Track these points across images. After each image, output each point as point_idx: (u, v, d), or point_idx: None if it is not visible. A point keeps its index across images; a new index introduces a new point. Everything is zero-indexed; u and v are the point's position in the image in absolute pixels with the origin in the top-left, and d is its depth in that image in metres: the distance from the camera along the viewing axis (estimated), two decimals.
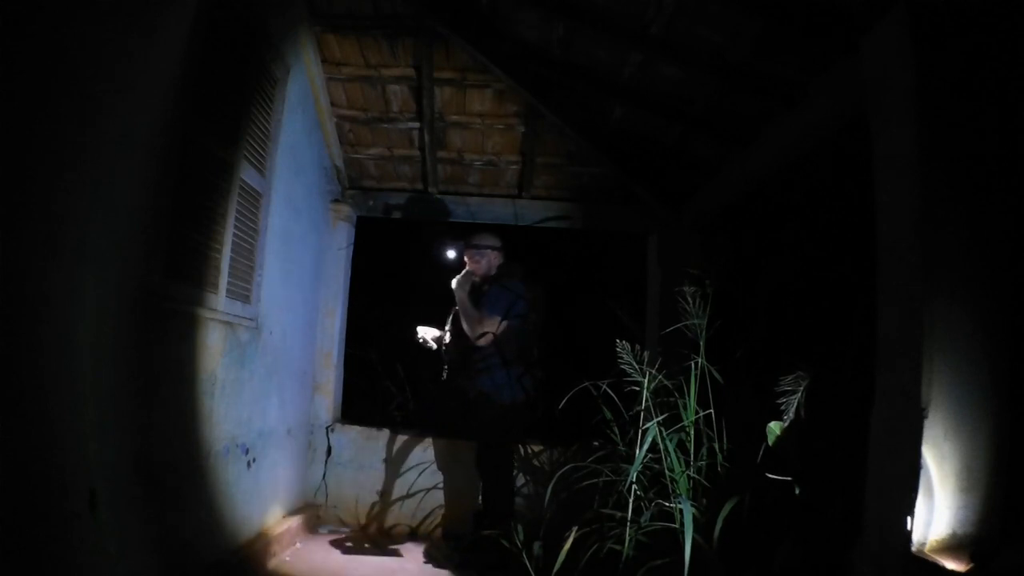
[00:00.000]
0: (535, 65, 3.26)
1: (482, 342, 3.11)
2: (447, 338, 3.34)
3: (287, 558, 2.97)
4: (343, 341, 3.99)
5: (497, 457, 3.17)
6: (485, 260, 3.34)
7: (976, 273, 1.60)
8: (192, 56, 2.03)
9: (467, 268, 3.38)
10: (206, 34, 2.10)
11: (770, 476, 2.12)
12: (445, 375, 3.32)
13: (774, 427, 2.17)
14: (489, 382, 3.12)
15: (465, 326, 3.15)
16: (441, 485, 3.66)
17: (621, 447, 2.61)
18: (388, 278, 5.79)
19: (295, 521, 3.24)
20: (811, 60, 2.20)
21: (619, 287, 4.01)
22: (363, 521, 3.65)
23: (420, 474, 3.67)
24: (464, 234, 3.52)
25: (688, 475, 2.39)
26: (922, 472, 1.51)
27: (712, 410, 2.45)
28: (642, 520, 2.33)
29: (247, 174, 2.57)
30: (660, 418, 2.37)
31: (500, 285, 3.21)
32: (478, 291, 3.33)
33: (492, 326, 3.11)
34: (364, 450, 3.73)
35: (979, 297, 1.59)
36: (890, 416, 1.67)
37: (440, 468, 3.68)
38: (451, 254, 3.65)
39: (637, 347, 2.48)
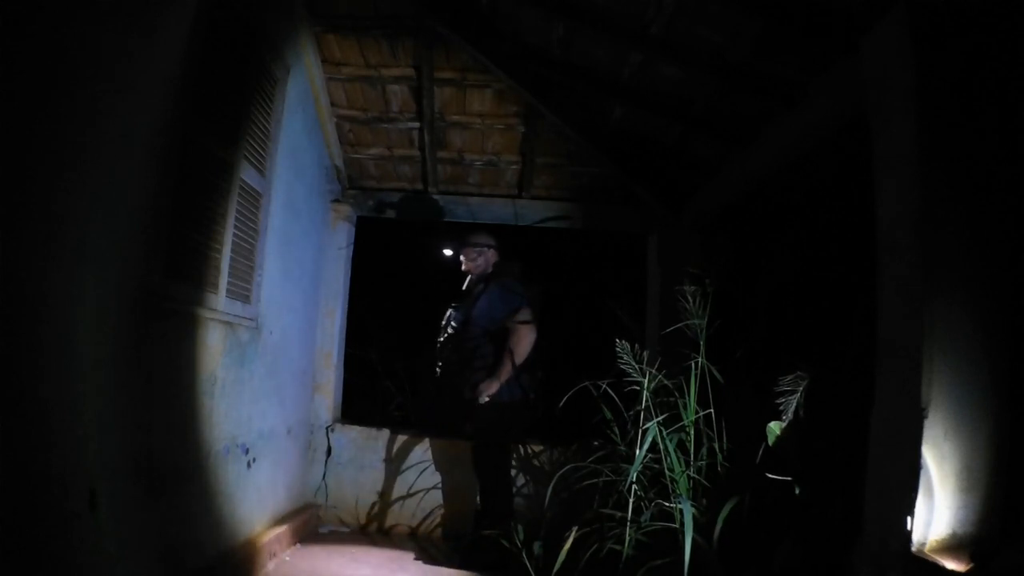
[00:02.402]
0: (535, 65, 3.25)
1: (523, 351, 3.07)
2: (442, 337, 3.32)
3: (287, 558, 2.97)
4: (343, 341, 3.99)
5: (496, 457, 3.17)
6: (483, 259, 3.34)
7: (976, 273, 1.60)
8: (192, 56, 2.03)
9: (464, 268, 3.38)
10: (206, 34, 2.10)
11: (770, 476, 2.12)
12: (439, 372, 3.31)
13: (774, 427, 2.17)
14: (471, 385, 3.12)
15: (518, 358, 3.08)
16: (441, 485, 3.66)
17: (621, 447, 2.61)
18: (388, 278, 5.79)
19: (295, 521, 3.24)
20: (811, 60, 2.20)
21: (619, 287, 4.01)
22: (363, 521, 3.65)
23: (420, 474, 3.67)
24: (463, 234, 3.52)
25: (688, 475, 2.39)
26: (922, 472, 1.51)
27: (712, 410, 2.45)
28: (642, 520, 2.33)
29: (247, 174, 2.57)
30: (660, 418, 2.38)
31: (500, 284, 3.21)
32: (472, 289, 3.32)
33: (525, 319, 3.08)
34: (364, 450, 3.73)
35: (979, 297, 1.59)
36: (890, 416, 1.67)
37: (440, 468, 3.68)
38: (448, 252, 3.61)
39: (637, 347, 2.48)
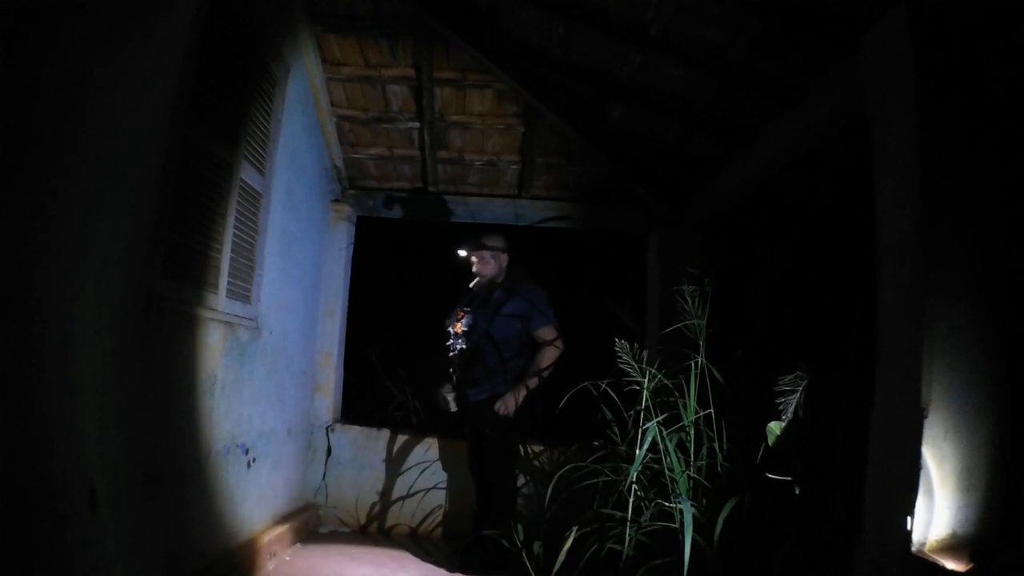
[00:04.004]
0: (535, 65, 3.25)
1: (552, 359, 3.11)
2: (459, 345, 3.22)
3: (287, 558, 2.97)
4: (343, 341, 3.99)
5: (508, 459, 3.16)
6: (496, 263, 3.26)
7: (976, 273, 1.60)
8: (192, 56, 2.03)
9: (475, 270, 3.31)
10: (206, 34, 2.10)
11: (770, 476, 2.12)
12: (455, 379, 3.24)
13: (774, 427, 2.17)
14: (490, 388, 3.12)
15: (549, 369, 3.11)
16: (441, 485, 3.66)
17: (621, 447, 2.61)
18: (388, 278, 5.78)
19: (295, 521, 3.24)
20: (811, 60, 2.20)
21: (619, 287, 4.01)
22: (363, 521, 3.65)
23: (420, 474, 3.67)
24: (465, 234, 3.48)
25: (688, 475, 2.39)
26: (922, 472, 1.51)
27: (712, 410, 2.45)
28: (642, 520, 2.33)
29: (247, 174, 2.57)
30: (660, 418, 2.37)
31: (528, 288, 3.18)
32: (488, 294, 3.25)
33: (552, 335, 3.12)
34: (364, 450, 3.73)
35: (979, 297, 1.59)
36: (890, 416, 1.67)
37: (440, 468, 3.68)
38: (462, 253, 3.48)
39: (637, 347, 2.48)
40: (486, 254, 3.27)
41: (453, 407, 3.25)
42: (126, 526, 1.79)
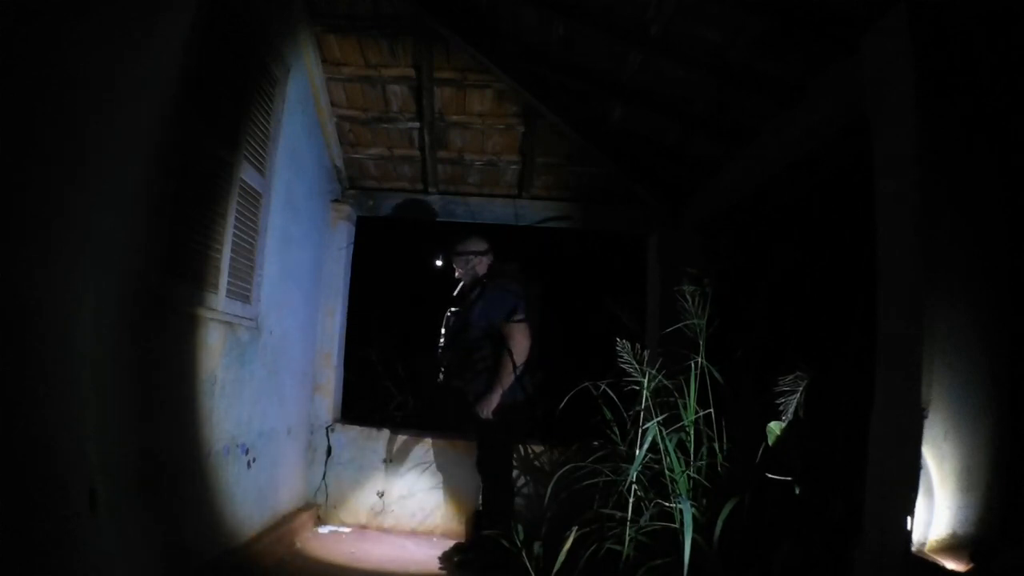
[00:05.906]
0: (535, 65, 3.26)
1: (521, 352, 3.04)
2: (441, 342, 3.33)
3: (287, 558, 2.97)
4: (343, 341, 3.99)
5: (497, 457, 3.17)
6: (472, 266, 3.35)
7: (976, 273, 1.60)
8: (192, 56, 2.03)
9: (456, 275, 3.39)
10: (205, 34, 2.10)
11: (770, 476, 2.12)
12: (442, 377, 3.31)
13: (774, 427, 2.17)
14: (474, 388, 3.12)
15: (518, 359, 3.05)
16: (441, 485, 3.66)
17: (621, 447, 2.61)
18: (388, 278, 5.78)
19: (295, 521, 3.24)
20: (811, 60, 2.20)
21: (619, 287, 4.01)
22: (363, 521, 3.65)
23: (420, 474, 3.68)
24: (463, 235, 3.51)
25: (688, 475, 2.39)
26: (922, 472, 1.51)
27: (712, 410, 2.45)
28: (642, 520, 2.33)
29: (247, 174, 2.57)
30: (660, 418, 2.37)
31: (495, 287, 3.21)
32: (468, 294, 3.33)
33: (514, 331, 3.07)
34: (364, 450, 3.73)
35: (979, 297, 1.59)
36: (890, 416, 1.67)
37: (440, 468, 3.68)
38: (438, 263, 3.61)
39: (637, 347, 2.48)
40: (460, 259, 3.37)
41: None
42: (126, 526, 1.79)
